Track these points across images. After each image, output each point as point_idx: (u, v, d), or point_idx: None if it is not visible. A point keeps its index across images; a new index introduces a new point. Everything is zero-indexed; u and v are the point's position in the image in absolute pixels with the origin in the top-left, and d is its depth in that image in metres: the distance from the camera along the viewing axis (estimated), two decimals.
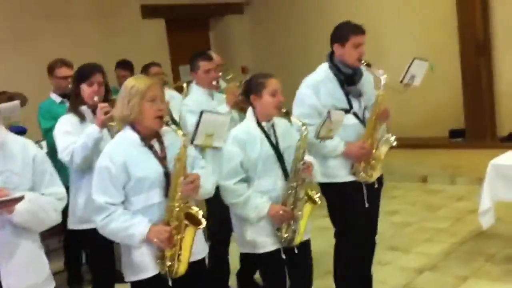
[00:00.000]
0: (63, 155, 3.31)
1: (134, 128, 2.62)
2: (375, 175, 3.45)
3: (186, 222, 2.53)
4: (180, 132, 2.58)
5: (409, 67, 3.74)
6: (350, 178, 3.42)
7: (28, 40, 6.71)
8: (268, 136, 3.04)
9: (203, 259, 2.80)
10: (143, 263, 2.60)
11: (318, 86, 3.39)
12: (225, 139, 2.83)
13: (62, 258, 4.73)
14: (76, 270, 4.64)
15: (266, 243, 3.01)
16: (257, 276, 4.13)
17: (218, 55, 5.06)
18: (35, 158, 2.30)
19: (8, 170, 2.21)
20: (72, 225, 3.44)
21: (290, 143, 3.06)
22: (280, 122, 3.14)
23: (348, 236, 3.47)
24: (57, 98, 4.34)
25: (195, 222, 2.55)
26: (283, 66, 8.27)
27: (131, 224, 2.53)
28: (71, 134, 3.33)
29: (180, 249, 2.55)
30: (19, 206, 2.11)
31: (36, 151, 2.33)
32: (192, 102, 4.08)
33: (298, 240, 3.04)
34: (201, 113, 2.60)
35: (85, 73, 3.43)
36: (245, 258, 4.03)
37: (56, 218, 2.36)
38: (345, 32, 3.37)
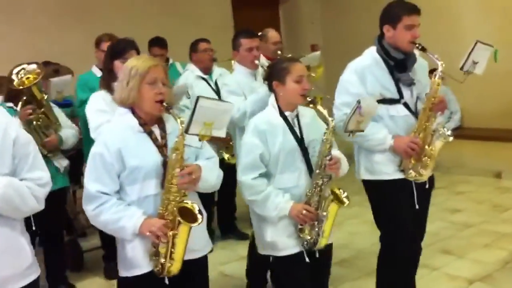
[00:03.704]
0: (95, 134, 3.24)
1: (134, 112, 2.44)
2: (427, 174, 3.07)
3: (179, 218, 2.31)
4: (178, 120, 2.36)
5: (471, 51, 3.30)
6: (398, 176, 3.06)
7: (81, 16, 6.62)
8: (291, 127, 2.78)
9: (204, 257, 2.58)
10: (136, 259, 2.41)
11: (364, 72, 3.05)
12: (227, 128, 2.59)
13: None
14: None
15: (287, 245, 2.77)
16: None
17: (277, 32, 4.79)
18: (16, 140, 2.11)
19: None
20: None
21: (315, 136, 2.77)
22: (305, 112, 2.86)
23: (395, 241, 3.12)
24: (97, 72, 4.28)
25: (191, 217, 2.33)
26: (354, 47, 7.75)
27: (122, 216, 2.34)
28: (105, 112, 3.23)
29: (173, 246, 2.34)
30: None
31: (19, 132, 2.15)
32: (233, 82, 3.92)
33: (322, 243, 2.78)
34: (197, 99, 2.34)
35: (119, 49, 3.33)
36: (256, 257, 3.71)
37: (36, 206, 2.16)
38: (397, 11, 2.99)
